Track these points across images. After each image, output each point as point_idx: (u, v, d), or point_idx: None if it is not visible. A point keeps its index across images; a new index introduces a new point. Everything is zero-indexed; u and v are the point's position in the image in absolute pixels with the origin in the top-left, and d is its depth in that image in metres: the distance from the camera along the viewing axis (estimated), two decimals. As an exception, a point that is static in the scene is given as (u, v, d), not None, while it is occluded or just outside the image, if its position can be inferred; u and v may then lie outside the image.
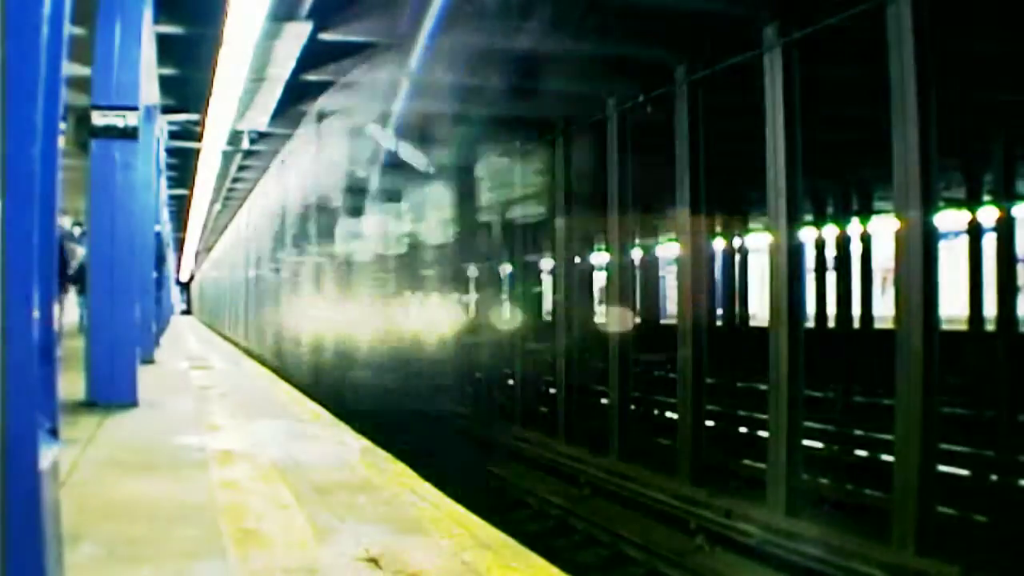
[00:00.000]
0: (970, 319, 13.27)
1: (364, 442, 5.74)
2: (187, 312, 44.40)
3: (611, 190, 11.08)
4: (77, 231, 15.79)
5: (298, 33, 9.90)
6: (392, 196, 11.38)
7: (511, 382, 13.85)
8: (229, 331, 23.14)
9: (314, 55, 11.76)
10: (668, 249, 22.60)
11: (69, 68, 1.99)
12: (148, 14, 7.82)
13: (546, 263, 17.04)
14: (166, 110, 14.94)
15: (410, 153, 10.86)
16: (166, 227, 22.55)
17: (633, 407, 11.51)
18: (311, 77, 11.93)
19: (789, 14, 7.97)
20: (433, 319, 11.03)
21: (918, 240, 6.49)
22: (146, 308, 10.76)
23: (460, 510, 3.86)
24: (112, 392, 7.05)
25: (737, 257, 19.72)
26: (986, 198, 13.82)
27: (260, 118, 14.92)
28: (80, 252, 12.04)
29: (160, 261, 10.23)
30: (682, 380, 9.53)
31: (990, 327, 12.41)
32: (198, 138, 17.81)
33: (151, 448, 5.35)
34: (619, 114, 10.87)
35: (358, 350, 10.53)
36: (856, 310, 16.03)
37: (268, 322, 14.71)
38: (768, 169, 7.99)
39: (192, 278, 49.17)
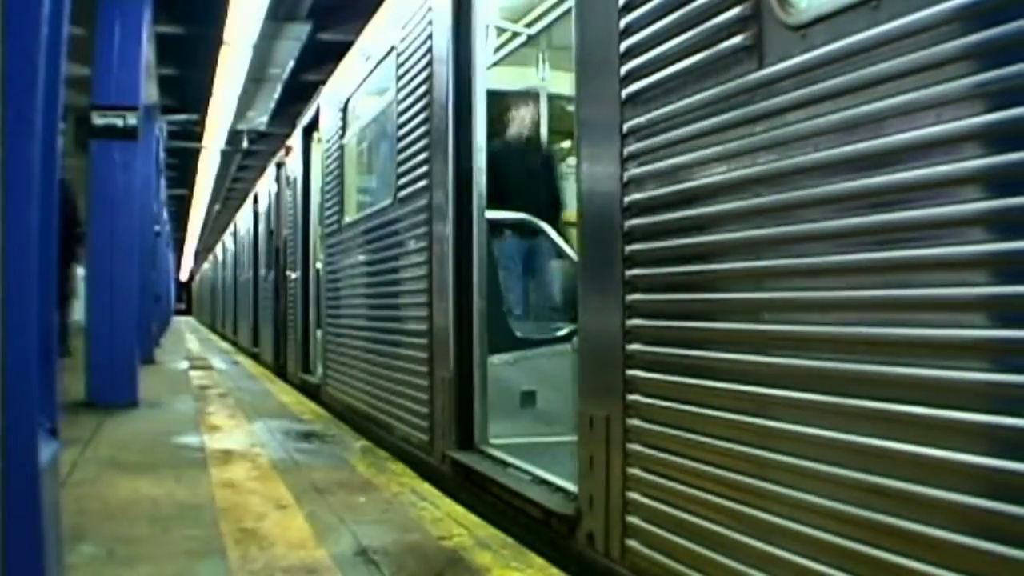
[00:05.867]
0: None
1: (364, 442, 5.74)
2: (187, 312, 44.45)
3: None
4: None
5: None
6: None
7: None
8: None
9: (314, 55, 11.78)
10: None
11: (69, 68, 1.99)
12: (148, 14, 7.82)
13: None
14: (166, 110, 14.95)
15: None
16: (166, 227, 22.55)
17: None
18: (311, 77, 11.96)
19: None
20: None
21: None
22: (145, 308, 10.76)
23: (460, 510, 3.86)
24: (112, 392, 7.05)
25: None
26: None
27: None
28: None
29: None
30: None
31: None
32: (198, 138, 17.83)
33: (151, 448, 5.36)
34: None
35: None
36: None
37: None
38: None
39: (192, 278, 49.23)
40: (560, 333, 4.93)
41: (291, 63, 12.86)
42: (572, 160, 3.75)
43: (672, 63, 2.53)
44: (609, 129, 2.85)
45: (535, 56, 6.37)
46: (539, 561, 3.11)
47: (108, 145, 7.22)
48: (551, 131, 6.42)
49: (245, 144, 18.45)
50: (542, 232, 5.49)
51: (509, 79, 6.34)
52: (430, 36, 4.78)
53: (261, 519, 3.65)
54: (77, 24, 5.26)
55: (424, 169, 4.83)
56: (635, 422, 2.69)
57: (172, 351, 15.34)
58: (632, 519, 2.68)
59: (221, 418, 6.85)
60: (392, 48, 5.56)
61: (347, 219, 7.07)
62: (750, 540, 2.16)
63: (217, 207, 29.53)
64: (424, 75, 4.86)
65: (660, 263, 2.61)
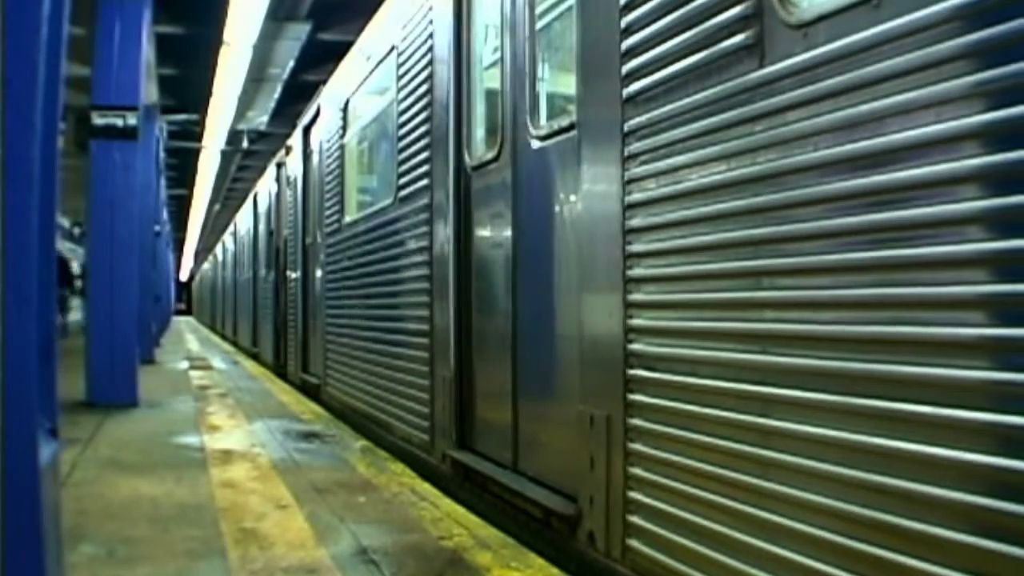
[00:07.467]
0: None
1: (364, 442, 5.74)
2: (187, 312, 44.45)
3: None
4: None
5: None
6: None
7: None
8: None
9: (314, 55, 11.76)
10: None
11: (69, 68, 1.99)
12: (148, 14, 7.82)
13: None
14: (166, 110, 14.95)
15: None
16: (166, 227, 22.56)
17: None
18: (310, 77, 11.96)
19: None
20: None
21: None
22: (145, 308, 10.76)
23: (460, 510, 3.86)
24: (112, 392, 7.05)
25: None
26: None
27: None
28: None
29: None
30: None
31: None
32: (198, 138, 17.82)
33: (151, 448, 5.35)
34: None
35: None
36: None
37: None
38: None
39: (192, 278, 49.23)
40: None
41: (291, 63, 12.86)
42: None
43: (673, 62, 2.53)
44: (610, 129, 2.85)
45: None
46: (539, 561, 3.11)
47: (108, 145, 7.23)
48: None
49: (245, 144, 18.45)
50: None
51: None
52: (430, 36, 4.77)
53: (261, 519, 3.65)
54: (77, 24, 5.26)
55: (424, 169, 4.83)
56: (636, 421, 2.69)
57: (172, 351, 15.34)
58: (633, 518, 2.68)
59: (221, 418, 6.85)
60: (393, 48, 5.56)
61: (347, 219, 7.07)
62: (752, 539, 2.16)
63: (217, 207, 29.51)
64: (424, 75, 4.85)
65: (661, 262, 2.61)
